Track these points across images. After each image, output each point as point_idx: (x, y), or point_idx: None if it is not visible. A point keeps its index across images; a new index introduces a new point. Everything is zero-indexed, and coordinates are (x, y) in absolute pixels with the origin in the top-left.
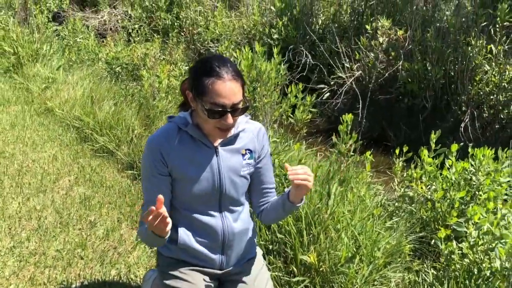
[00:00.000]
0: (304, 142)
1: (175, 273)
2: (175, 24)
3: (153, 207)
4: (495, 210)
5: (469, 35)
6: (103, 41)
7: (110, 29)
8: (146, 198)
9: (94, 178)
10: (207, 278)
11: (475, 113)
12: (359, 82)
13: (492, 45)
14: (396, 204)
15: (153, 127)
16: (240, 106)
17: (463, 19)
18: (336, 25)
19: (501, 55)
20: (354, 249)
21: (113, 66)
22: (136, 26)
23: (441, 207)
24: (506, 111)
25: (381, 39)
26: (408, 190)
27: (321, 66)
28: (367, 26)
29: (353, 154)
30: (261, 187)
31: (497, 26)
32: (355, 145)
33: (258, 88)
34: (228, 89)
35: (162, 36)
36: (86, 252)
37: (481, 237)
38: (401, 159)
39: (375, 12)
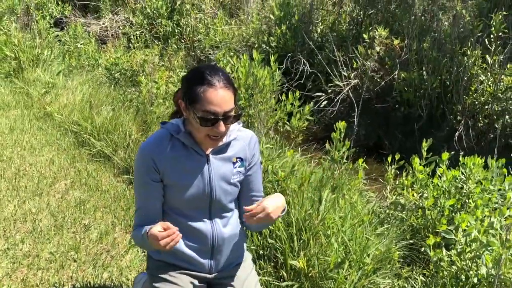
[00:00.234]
0: (299, 149)
1: (165, 276)
2: (176, 31)
3: (177, 232)
4: (484, 217)
5: (465, 45)
6: (103, 47)
7: (112, 35)
8: (139, 204)
9: (90, 182)
10: (196, 282)
11: (469, 122)
12: (356, 91)
13: (487, 55)
14: (387, 211)
15: (149, 132)
16: (232, 113)
17: (462, 29)
18: (335, 34)
19: (496, 65)
20: (344, 254)
21: (113, 72)
22: (138, 32)
23: (431, 214)
24: (501, 121)
25: (377, 48)
26: (399, 198)
27: (319, 74)
28: (364, 35)
29: (346, 161)
30: (249, 194)
31: (492, 36)
32: (348, 152)
33: (254, 95)
34: (220, 97)
35: (163, 42)
36: (79, 255)
37: (468, 244)
38: (393, 166)
39: (373, 21)
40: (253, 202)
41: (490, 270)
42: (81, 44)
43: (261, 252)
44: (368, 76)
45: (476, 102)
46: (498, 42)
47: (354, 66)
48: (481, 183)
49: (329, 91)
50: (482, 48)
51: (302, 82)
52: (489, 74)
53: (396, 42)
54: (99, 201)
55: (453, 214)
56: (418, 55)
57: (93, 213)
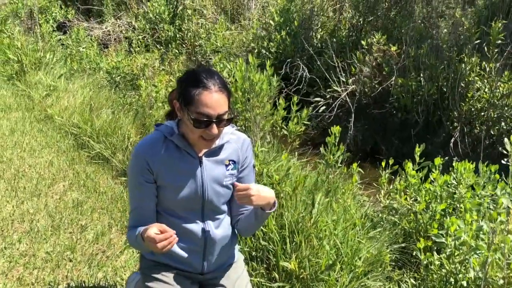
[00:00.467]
0: (296, 153)
1: (157, 275)
2: (177, 36)
3: (174, 235)
4: (473, 221)
5: (462, 52)
6: (105, 51)
7: (114, 39)
8: (134, 204)
9: (88, 184)
10: (188, 282)
11: (465, 129)
12: (354, 96)
13: (485, 62)
14: (381, 215)
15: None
16: (226, 117)
17: (461, 36)
18: (334, 40)
19: (493, 72)
20: (335, 256)
21: (113, 76)
22: (140, 37)
23: (423, 218)
24: (497, 127)
25: (375, 54)
26: (393, 202)
27: (318, 79)
28: (362, 42)
29: (340, 165)
30: None
31: (490, 44)
32: (343, 157)
33: (251, 99)
34: (214, 100)
35: (165, 47)
36: (75, 255)
37: (457, 247)
38: (387, 171)
39: (373, 28)
40: (243, 205)
41: (477, 273)
42: (83, 48)
43: (254, 253)
44: (361, 82)
45: (473, 109)
46: (496, 50)
47: (353, 72)
48: (474, 189)
49: (328, 96)
50: (481, 55)
51: (301, 87)
52: (485, 81)
53: (393, 48)
54: (96, 202)
55: (444, 218)
56: (416, 62)
57: (90, 214)
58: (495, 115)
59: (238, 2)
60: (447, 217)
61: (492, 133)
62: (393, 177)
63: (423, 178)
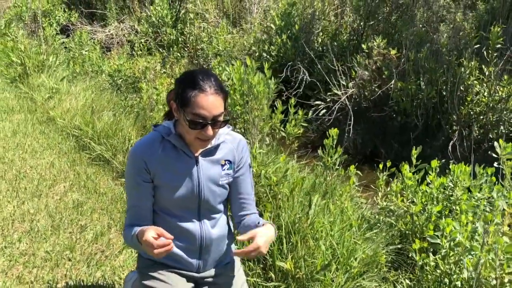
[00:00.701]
0: (295, 155)
1: (154, 274)
2: (180, 39)
3: (171, 243)
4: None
5: (462, 56)
6: (107, 54)
7: (117, 42)
8: (131, 203)
9: (89, 185)
10: (184, 280)
11: (464, 132)
12: (354, 100)
13: (484, 66)
14: (377, 216)
15: None
16: (221, 118)
17: (462, 41)
18: (335, 44)
19: (492, 76)
20: (331, 257)
21: (115, 78)
22: (142, 40)
23: (419, 220)
24: (496, 131)
25: (375, 58)
26: (390, 204)
27: (318, 83)
28: (363, 46)
29: (338, 167)
30: (238, 196)
31: (489, 48)
32: (340, 159)
33: (250, 102)
34: (210, 102)
35: (167, 50)
36: (74, 254)
37: (452, 248)
38: (384, 173)
39: (374, 32)
40: (242, 204)
41: (471, 274)
42: (85, 51)
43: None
44: (358, 85)
45: (472, 112)
46: (495, 54)
47: (353, 75)
48: (470, 191)
49: (328, 99)
50: (480, 59)
51: (301, 90)
52: (485, 85)
53: (393, 52)
54: (96, 203)
55: (440, 220)
56: (415, 65)
57: (90, 214)
58: (494, 119)
59: (240, 6)
60: (443, 219)
61: (491, 136)
62: (391, 179)
63: (419, 180)
